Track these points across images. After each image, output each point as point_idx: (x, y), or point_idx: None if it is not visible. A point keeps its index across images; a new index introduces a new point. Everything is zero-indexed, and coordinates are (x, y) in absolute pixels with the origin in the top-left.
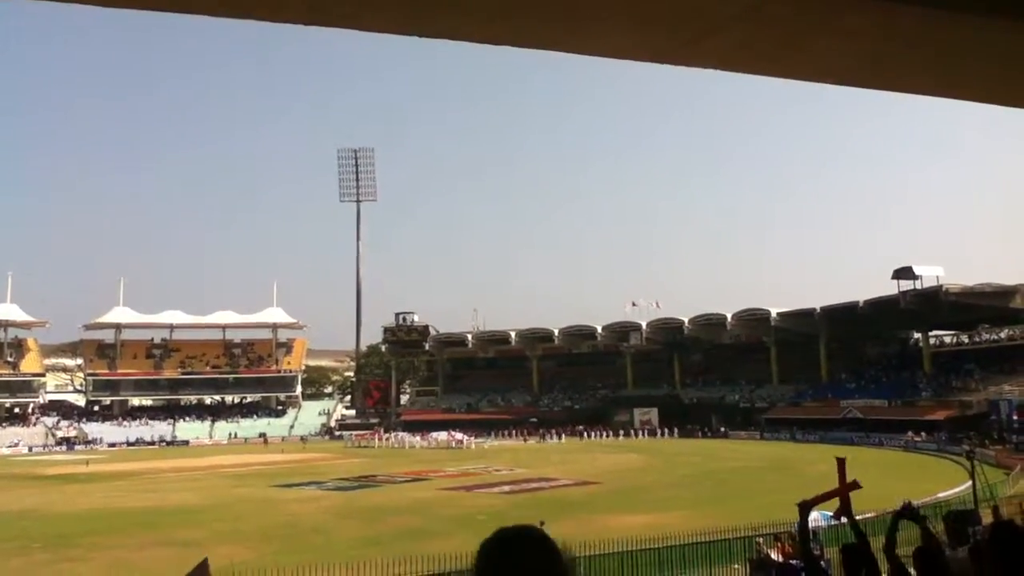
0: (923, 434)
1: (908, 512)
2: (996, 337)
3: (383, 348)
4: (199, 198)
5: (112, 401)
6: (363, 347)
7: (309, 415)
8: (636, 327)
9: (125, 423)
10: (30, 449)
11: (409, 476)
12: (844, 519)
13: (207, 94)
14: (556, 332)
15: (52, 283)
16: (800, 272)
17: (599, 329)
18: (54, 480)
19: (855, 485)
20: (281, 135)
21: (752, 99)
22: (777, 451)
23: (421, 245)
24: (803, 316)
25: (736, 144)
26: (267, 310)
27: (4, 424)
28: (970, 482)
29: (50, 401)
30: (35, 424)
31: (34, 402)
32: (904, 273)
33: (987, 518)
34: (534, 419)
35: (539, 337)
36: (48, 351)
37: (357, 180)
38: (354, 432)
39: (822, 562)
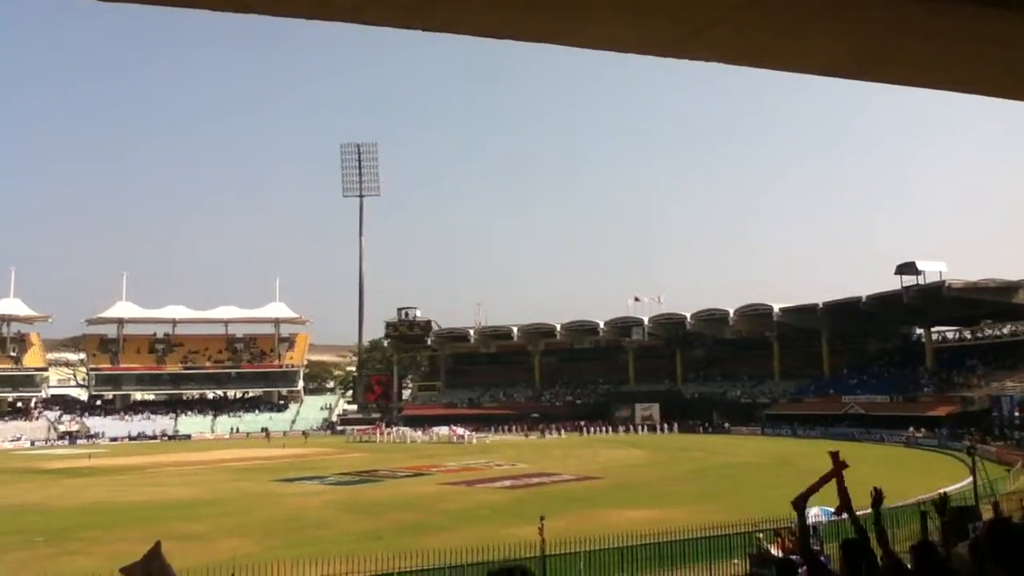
0: (922, 430)
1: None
2: (999, 333)
3: (385, 343)
4: (202, 193)
5: (114, 395)
6: (365, 342)
7: (311, 410)
8: (638, 322)
9: (127, 417)
10: (32, 443)
11: (411, 471)
12: (845, 515)
13: (211, 88)
14: (558, 327)
15: (55, 278)
16: (803, 267)
17: (601, 324)
18: (56, 474)
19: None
20: (285, 130)
21: (754, 92)
22: (778, 447)
23: (424, 240)
24: (805, 311)
25: (740, 138)
26: (270, 305)
27: (6, 418)
28: (971, 478)
29: (52, 395)
30: (37, 418)
31: (36, 396)
32: (907, 268)
33: (987, 514)
34: (536, 414)
35: (541, 332)
36: (51, 345)
37: (360, 175)
38: (356, 427)
39: (822, 557)
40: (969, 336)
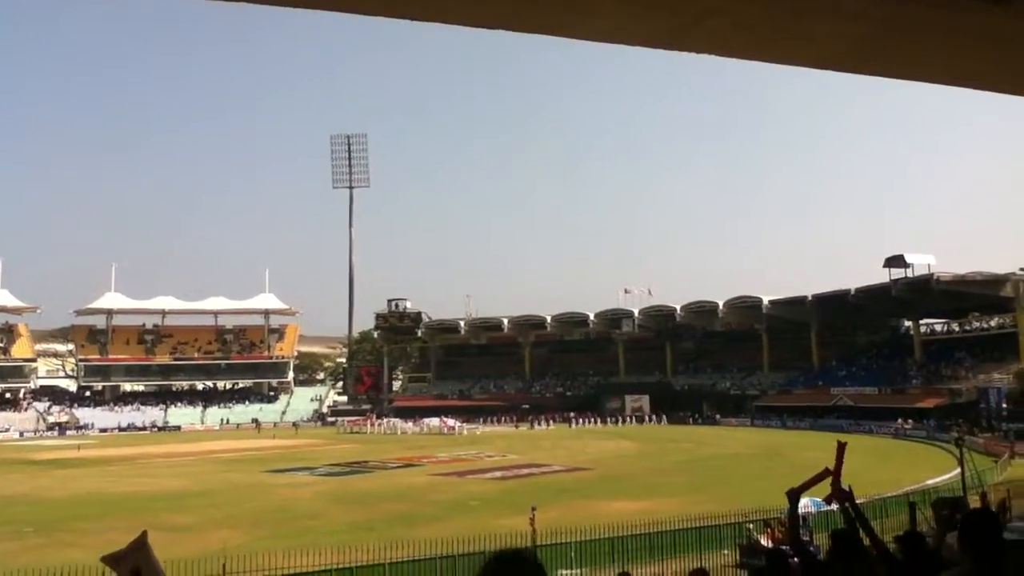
0: (910, 421)
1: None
2: (986, 325)
3: (375, 334)
4: (192, 184)
5: (103, 386)
6: (355, 333)
7: (301, 401)
8: (628, 314)
9: (116, 408)
10: (21, 434)
11: (401, 462)
12: (835, 505)
13: (202, 80)
14: (548, 319)
15: (43, 268)
16: (793, 260)
17: (591, 316)
18: (45, 465)
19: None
20: (275, 121)
21: (747, 87)
22: (768, 438)
23: (414, 232)
24: (794, 304)
25: (732, 133)
26: (259, 296)
27: None
28: (959, 469)
29: (41, 386)
30: (26, 409)
31: (25, 387)
32: (896, 261)
33: (975, 504)
34: (526, 405)
35: (531, 324)
36: (39, 336)
37: (350, 166)
38: (346, 418)
39: (811, 547)
40: (957, 328)
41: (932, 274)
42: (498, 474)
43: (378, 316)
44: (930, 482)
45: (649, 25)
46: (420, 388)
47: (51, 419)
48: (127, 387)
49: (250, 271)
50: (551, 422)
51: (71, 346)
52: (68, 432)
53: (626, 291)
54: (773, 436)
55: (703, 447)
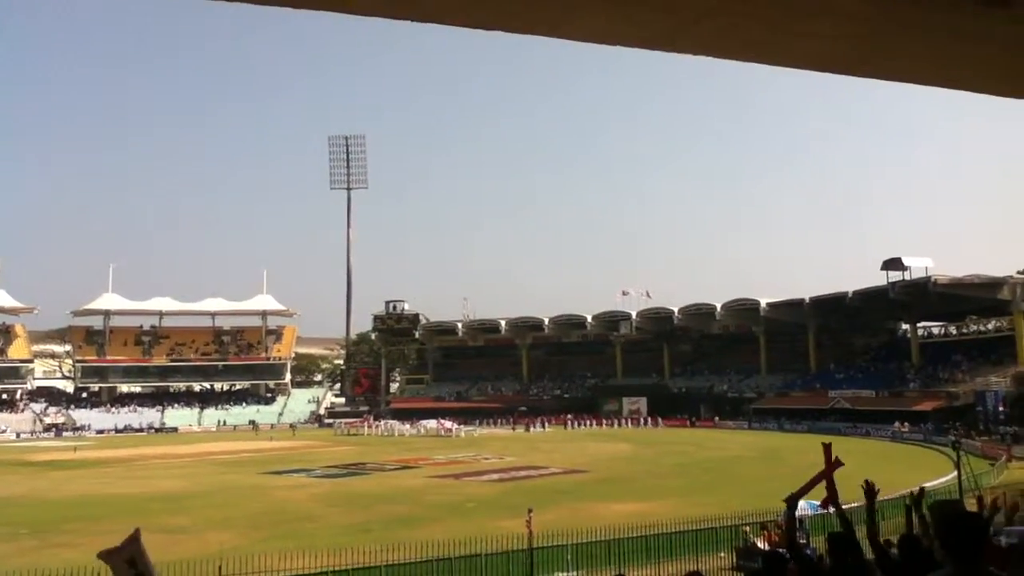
0: (906, 424)
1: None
2: (983, 328)
3: (373, 336)
4: (190, 184)
5: (100, 388)
6: (353, 335)
7: (298, 403)
8: (626, 316)
9: (113, 410)
10: (18, 435)
11: (398, 464)
12: (831, 508)
13: (200, 80)
14: (546, 321)
15: (41, 269)
16: (791, 262)
17: (589, 318)
18: (42, 466)
19: (838, 463)
20: (273, 121)
21: (739, 88)
22: (765, 441)
23: (412, 233)
24: (792, 306)
25: (728, 133)
26: (257, 297)
27: None
28: (955, 472)
29: (38, 387)
30: (23, 410)
31: (22, 388)
32: (893, 264)
33: (972, 508)
34: (523, 407)
35: (529, 326)
36: (36, 337)
37: (348, 167)
38: (343, 420)
39: (808, 550)
40: (954, 331)
41: (929, 277)
42: (495, 476)
43: (376, 318)
44: (927, 485)
45: (645, 27)
46: (417, 390)
47: (48, 420)
48: (124, 388)
49: (248, 272)
50: (546, 424)
51: (68, 347)
52: (65, 433)
53: (624, 293)
54: (770, 439)
55: (700, 450)
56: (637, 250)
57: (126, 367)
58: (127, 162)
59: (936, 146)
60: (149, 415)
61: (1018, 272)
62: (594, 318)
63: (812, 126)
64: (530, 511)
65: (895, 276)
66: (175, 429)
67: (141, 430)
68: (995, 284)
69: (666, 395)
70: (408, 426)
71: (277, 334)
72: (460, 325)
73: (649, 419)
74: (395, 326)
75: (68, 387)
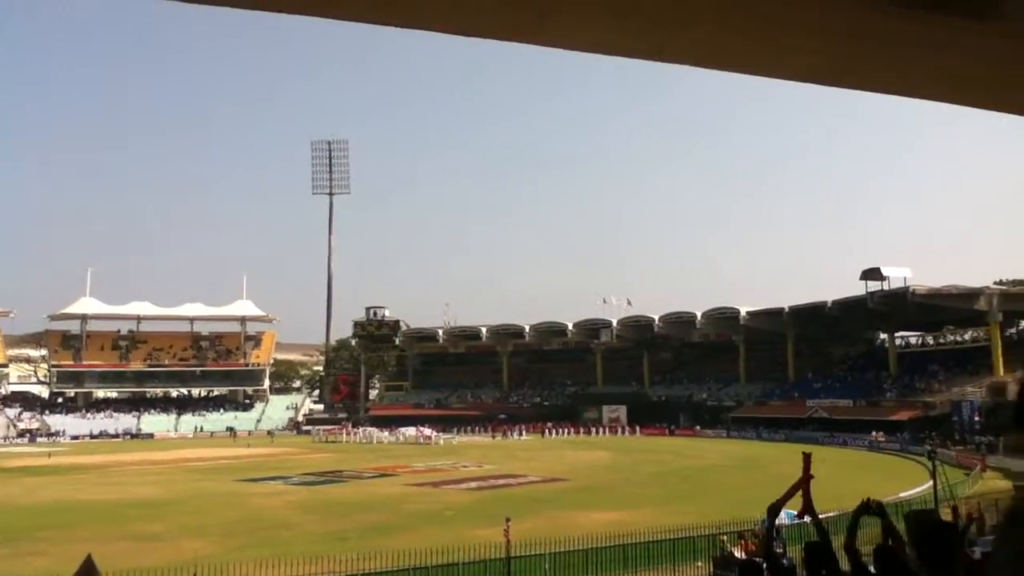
0: (882, 434)
1: (869, 508)
2: (960, 339)
3: (353, 342)
4: (170, 188)
5: (76, 393)
6: (333, 341)
7: (276, 409)
8: (607, 324)
9: (89, 415)
10: None
11: (376, 471)
12: (808, 518)
13: (181, 83)
14: (527, 328)
15: (17, 272)
16: (771, 271)
17: (570, 326)
18: (15, 472)
19: (809, 477)
20: (255, 125)
21: (724, 96)
22: (743, 449)
23: (394, 239)
24: (771, 315)
25: (709, 142)
26: (236, 303)
27: None
28: (931, 482)
29: (13, 392)
30: None
31: None
32: (872, 274)
33: (946, 517)
34: (503, 415)
35: (510, 333)
36: (12, 341)
37: (330, 172)
38: (322, 427)
39: (784, 560)
40: (932, 342)
41: (908, 287)
42: (473, 484)
43: (356, 324)
44: (903, 495)
45: (624, 37)
46: (397, 397)
47: (22, 426)
48: (100, 394)
49: (228, 277)
50: (524, 432)
51: (44, 351)
52: (39, 439)
53: (605, 301)
54: (749, 448)
55: (679, 458)
56: (619, 258)
57: (102, 372)
58: (108, 165)
59: (920, 157)
60: (125, 421)
61: (995, 283)
62: (575, 326)
63: (799, 138)
64: (508, 520)
65: (874, 286)
66: (151, 435)
67: (117, 436)
68: (972, 295)
69: (646, 403)
70: (387, 433)
71: (256, 340)
72: (441, 332)
73: (627, 427)
74: (375, 332)
75: (43, 392)
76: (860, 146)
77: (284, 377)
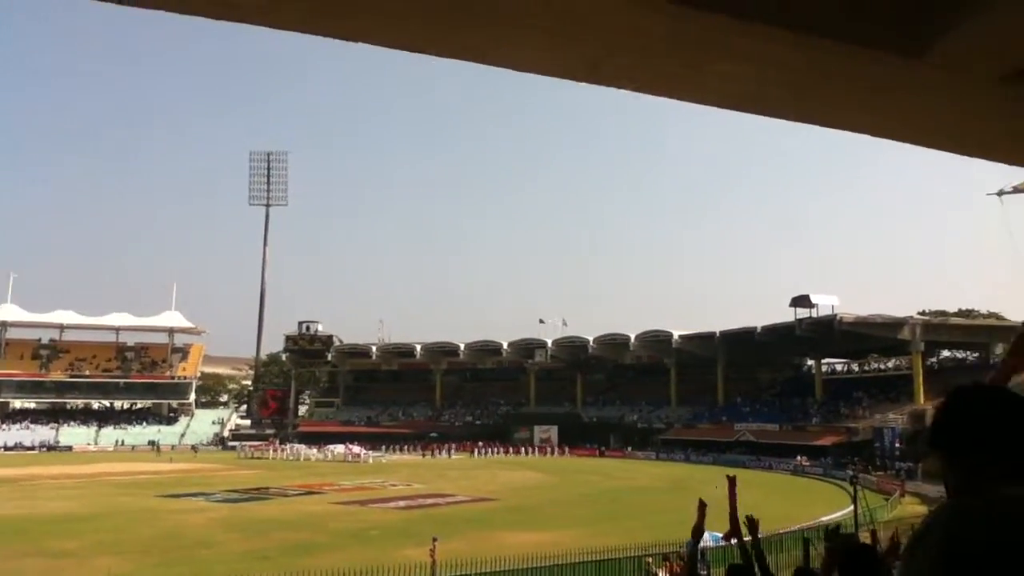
0: (806, 458)
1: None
2: (884, 367)
3: (284, 357)
4: (99, 194)
5: None
6: (263, 355)
7: (202, 424)
8: (542, 344)
9: (4, 426)
10: None
11: (302, 489)
12: (733, 540)
13: (114, 87)
14: (462, 347)
15: None
16: (705, 296)
17: (505, 345)
18: None
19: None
20: (190, 133)
21: (658, 120)
22: (672, 471)
23: (330, 254)
24: (703, 339)
25: (647, 168)
26: (165, 313)
27: None
28: (852, 506)
29: None
30: None
31: None
32: (801, 301)
33: (865, 541)
34: (435, 434)
35: (445, 351)
36: None
37: (268, 183)
38: (248, 443)
39: None
40: (856, 369)
41: (835, 315)
42: (402, 503)
43: (288, 338)
44: (824, 519)
45: (562, 58)
46: (327, 413)
47: None
48: (17, 404)
49: (157, 287)
50: (452, 451)
51: None
52: None
53: (541, 321)
54: (677, 469)
55: (608, 479)
56: (556, 278)
57: (20, 382)
58: (34, 169)
59: (850, 186)
60: (43, 432)
61: (918, 313)
62: (510, 345)
63: (733, 166)
64: (434, 540)
65: (803, 313)
66: (70, 448)
67: (33, 448)
68: (897, 324)
69: (577, 424)
70: (315, 450)
71: (184, 352)
72: (374, 348)
73: (557, 448)
74: (307, 347)
75: None
76: (796, 175)
77: (211, 391)
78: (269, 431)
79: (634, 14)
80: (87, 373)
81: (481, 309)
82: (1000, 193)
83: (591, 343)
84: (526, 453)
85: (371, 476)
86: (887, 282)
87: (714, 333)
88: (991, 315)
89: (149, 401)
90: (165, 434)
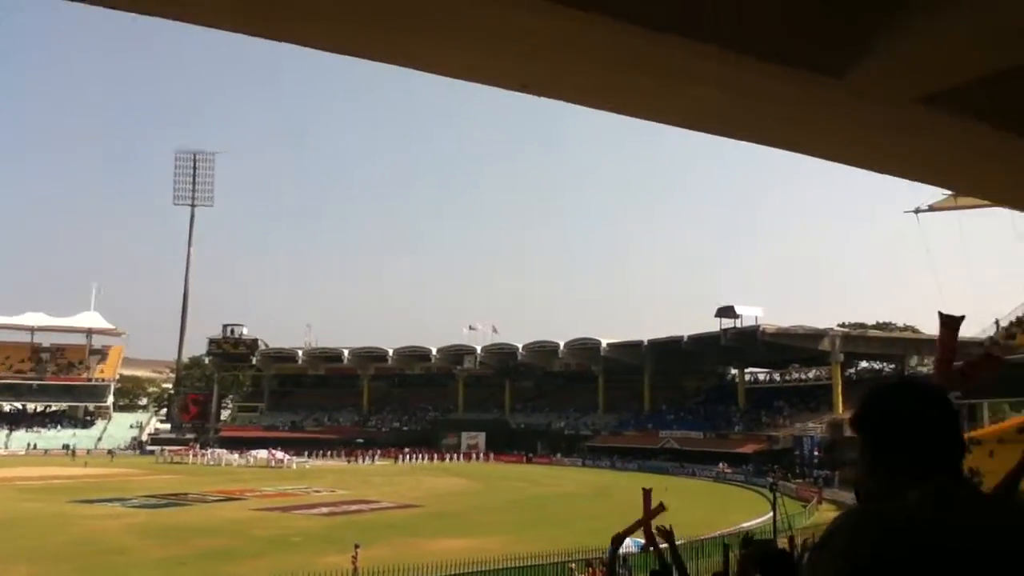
0: (728, 465)
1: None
2: (804, 377)
3: (207, 360)
4: (14, 189)
5: None
6: (186, 358)
7: (120, 427)
8: (471, 351)
9: None
10: None
11: (222, 495)
12: (651, 548)
13: (38, 78)
14: (390, 352)
15: None
16: (634, 305)
17: (434, 351)
18: None
19: (660, 508)
20: (112, 127)
21: (591, 132)
22: (597, 478)
23: (257, 256)
24: (631, 347)
25: (582, 177)
26: (83, 314)
27: None
28: (772, 513)
29: None
30: None
31: None
32: (726, 312)
33: (784, 547)
34: (361, 440)
35: (372, 356)
36: None
37: (194, 183)
38: (167, 447)
39: None
40: (778, 378)
41: (759, 326)
42: (325, 510)
43: (211, 341)
44: (744, 525)
45: (495, 65)
46: (250, 418)
47: None
48: None
49: (75, 287)
50: (376, 458)
51: None
52: None
53: (470, 327)
54: (603, 476)
55: (534, 486)
56: (485, 284)
57: None
58: None
59: (776, 200)
60: None
61: (838, 325)
62: (439, 351)
63: (665, 177)
64: (356, 546)
65: (728, 323)
66: None
67: None
68: (817, 335)
69: (505, 431)
70: (237, 456)
71: (102, 354)
72: (301, 352)
73: (484, 454)
74: (232, 351)
75: None
76: (727, 187)
77: (130, 394)
78: (190, 436)
79: (557, 30)
80: None
81: (411, 314)
82: (917, 211)
83: (520, 350)
84: (452, 459)
85: (294, 482)
86: (810, 295)
87: (642, 342)
88: (907, 328)
89: (64, 404)
90: (81, 438)
